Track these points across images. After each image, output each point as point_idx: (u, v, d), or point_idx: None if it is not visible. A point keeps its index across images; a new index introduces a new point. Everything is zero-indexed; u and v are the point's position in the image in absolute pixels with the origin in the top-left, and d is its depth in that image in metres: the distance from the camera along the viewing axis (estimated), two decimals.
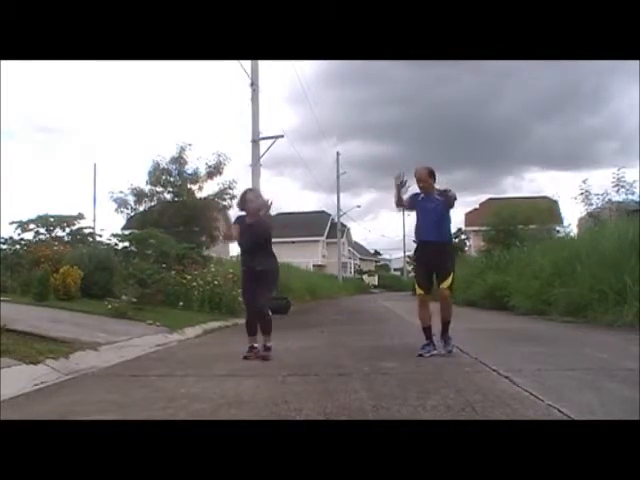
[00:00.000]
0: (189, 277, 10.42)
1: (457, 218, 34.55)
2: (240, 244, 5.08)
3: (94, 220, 19.31)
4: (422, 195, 4.78)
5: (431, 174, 4.80)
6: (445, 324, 4.76)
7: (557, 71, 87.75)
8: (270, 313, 4.94)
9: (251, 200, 4.94)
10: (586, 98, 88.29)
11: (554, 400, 2.81)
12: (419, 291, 4.83)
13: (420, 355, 4.54)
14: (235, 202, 5.20)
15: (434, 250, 4.72)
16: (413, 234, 5.08)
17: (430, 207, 4.73)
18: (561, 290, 8.90)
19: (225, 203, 15.05)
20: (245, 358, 4.67)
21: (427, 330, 4.75)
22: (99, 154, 69.28)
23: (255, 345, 4.82)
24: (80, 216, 13.04)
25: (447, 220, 4.85)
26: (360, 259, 56.14)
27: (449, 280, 4.67)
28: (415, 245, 5.09)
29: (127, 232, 13.00)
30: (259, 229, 4.85)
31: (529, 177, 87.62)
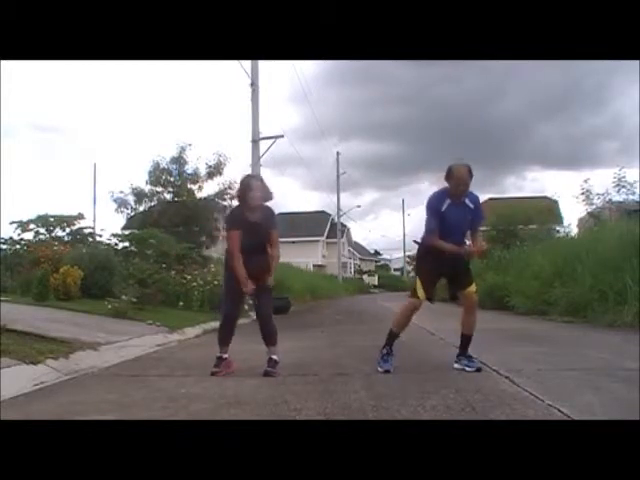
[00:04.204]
0: (189, 277, 10.42)
1: None
2: (243, 242, 4.04)
3: (94, 220, 19.37)
4: (449, 200, 3.92)
5: (470, 173, 3.92)
6: (469, 338, 4.05)
7: (559, 71, 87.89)
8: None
9: (257, 188, 4.02)
10: (588, 98, 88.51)
11: (554, 400, 2.81)
12: (422, 294, 3.99)
13: (387, 371, 3.94)
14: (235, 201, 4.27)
15: (455, 257, 3.95)
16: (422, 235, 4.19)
17: (460, 215, 3.95)
18: (561, 290, 8.90)
19: (225, 203, 15.05)
20: (213, 374, 3.97)
21: (395, 338, 4.14)
22: (99, 154, 69.38)
23: (225, 356, 4.10)
24: (80, 216, 13.10)
25: (467, 224, 4.06)
26: (360, 259, 56.15)
27: (473, 284, 4.04)
28: (425, 246, 4.15)
29: (127, 232, 13.02)
30: (264, 226, 4.03)
31: (530, 177, 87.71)
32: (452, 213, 3.93)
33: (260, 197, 4.04)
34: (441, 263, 3.94)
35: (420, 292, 4.01)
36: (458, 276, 4.05)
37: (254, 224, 4.00)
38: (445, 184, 3.98)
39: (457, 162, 3.96)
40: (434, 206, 3.97)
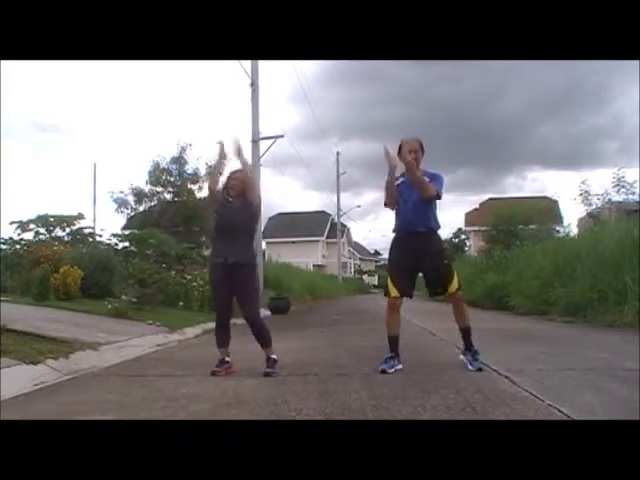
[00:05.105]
0: (189, 277, 10.43)
1: (457, 218, 34.64)
2: (217, 227, 4.14)
3: (94, 220, 19.32)
4: (402, 178, 3.94)
5: (422, 147, 3.95)
6: (467, 331, 4.02)
7: (559, 71, 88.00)
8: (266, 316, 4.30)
9: (239, 179, 4.08)
10: (588, 98, 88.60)
11: (554, 400, 2.81)
12: (394, 292, 3.93)
13: (383, 371, 3.82)
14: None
15: (421, 242, 3.89)
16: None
17: (413, 191, 3.87)
18: (561, 290, 8.91)
19: None
20: (213, 374, 3.93)
21: (394, 340, 4.00)
22: (99, 154, 69.33)
23: (227, 359, 4.09)
24: (80, 216, 13.10)
25: (434, 204, 4.00)
26: (360, 259, 56.20)
27: (455, 281, 3.93)
28: (394, 236, 4.11)
29: (127, 232, 13.03)
30: (245, 214, 4.04)
31: (530, 176, 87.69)
32: (405, 190, 3.90)
33: (244, 187, 4.07)
34: (413, 256, 3.88)
35: (392, 290, 3.95)
36: (434, 271, 3.95)
37: (235, 208, 4.05)
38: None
39: (408, 137, 3.99)
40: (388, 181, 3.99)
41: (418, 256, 3.88)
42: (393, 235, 4.12)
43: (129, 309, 7.59)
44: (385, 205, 4.06)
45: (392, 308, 4.02)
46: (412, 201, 3.90)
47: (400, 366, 3.97)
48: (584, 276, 8.35)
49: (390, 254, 4.15)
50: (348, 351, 5.31)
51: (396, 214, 4.06)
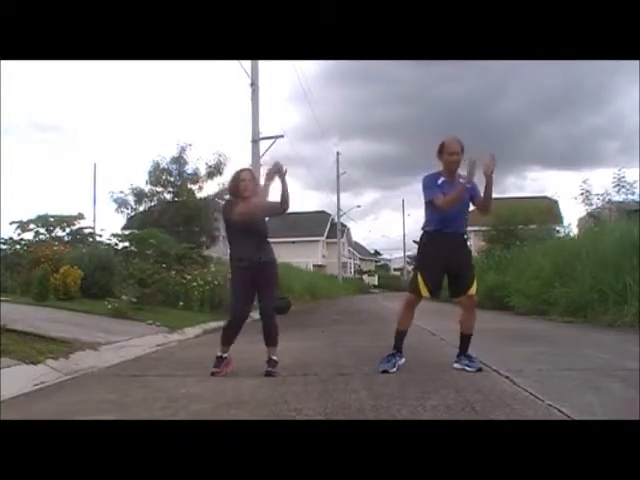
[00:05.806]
0: (189, 277, 10.42)
1: None
2: (235, 226, 3.99)
3: (94, 220, 19.37)
4: (444, 178, 3.86)
5: (462, 149, 3.88)
6: (468, 338, 3.99)
7: (559, 71, 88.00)
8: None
9: (248, 180, 3.99)
10: (588, 97, 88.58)
11: (554, 400, 2.81)
12: (425, 292, 3.86)
13: (385, 372, 3.82)
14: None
15: (457, 244, 3.93)
16: (423, 225, 4.07)
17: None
18: (561, 290, 8.90)
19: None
20: (213, 374, 3.92)
21: (402, 336, 4.00)
22: (99, 154, 69.37)
23: (225, 356, 4.04)
24: (80, 216, 13.09)
25: (468, 207, 4.01)
26: (360, 259, 56.15)
27: (475, 285, 3.92)
28: (424, 235, 4.02)
29: (127, 232, 13.02)
30: (260, 216, 4.04)
31: (530, 176, 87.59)
32: (448, 190, 3.80)
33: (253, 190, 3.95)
34: (445, 257, 3.82)
35: (423, 289, 3.87)
36: (462, 273, 3.91)
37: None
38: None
39: (450, 136, 3.94)
40: (429, 179, 3.92)
41: (450, 257, 3.84)
42: (425, 233, 4.01)
43: (129, 309, 7.59)
44: (433, 204, 3.85)
45: (410, 306, 4.02)
46: (456, 205, 3.83)
47: (403, 360, 3.96)
48: (584, 276, 8.34)
49: (421, 252, 4.05)
50: (348, 351, 5.31)
51: (430, 213, 3.94)
